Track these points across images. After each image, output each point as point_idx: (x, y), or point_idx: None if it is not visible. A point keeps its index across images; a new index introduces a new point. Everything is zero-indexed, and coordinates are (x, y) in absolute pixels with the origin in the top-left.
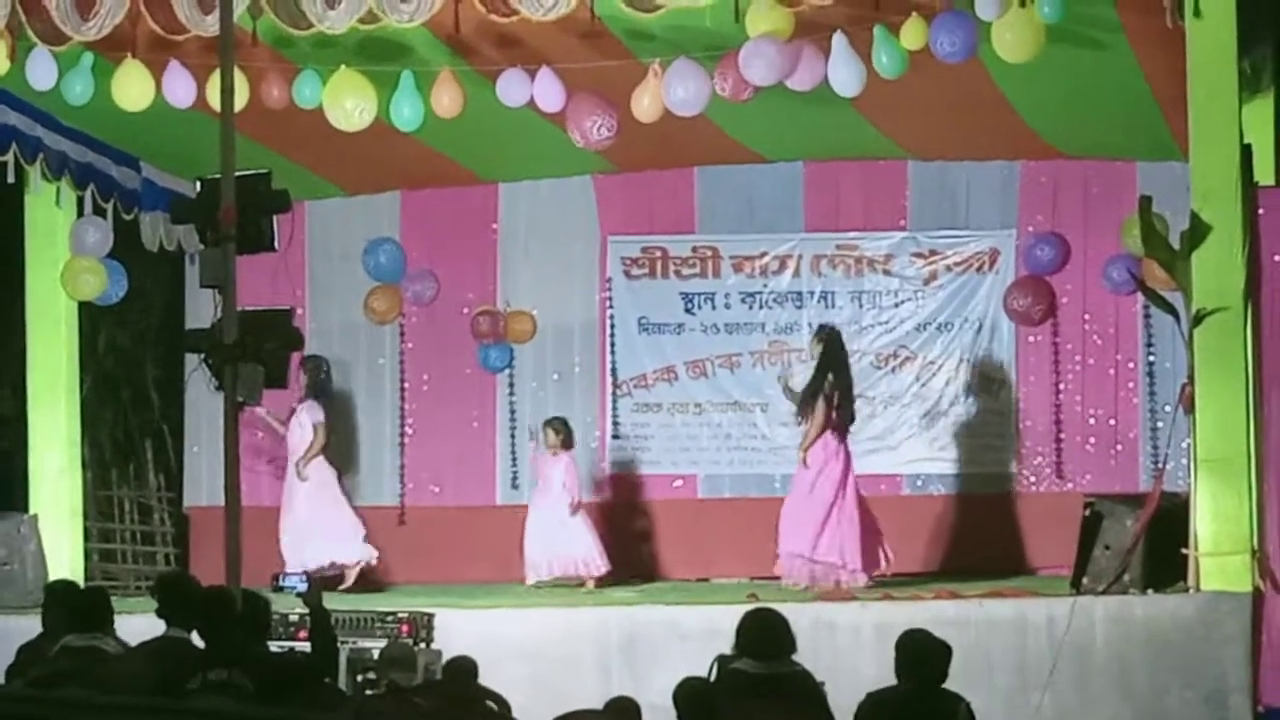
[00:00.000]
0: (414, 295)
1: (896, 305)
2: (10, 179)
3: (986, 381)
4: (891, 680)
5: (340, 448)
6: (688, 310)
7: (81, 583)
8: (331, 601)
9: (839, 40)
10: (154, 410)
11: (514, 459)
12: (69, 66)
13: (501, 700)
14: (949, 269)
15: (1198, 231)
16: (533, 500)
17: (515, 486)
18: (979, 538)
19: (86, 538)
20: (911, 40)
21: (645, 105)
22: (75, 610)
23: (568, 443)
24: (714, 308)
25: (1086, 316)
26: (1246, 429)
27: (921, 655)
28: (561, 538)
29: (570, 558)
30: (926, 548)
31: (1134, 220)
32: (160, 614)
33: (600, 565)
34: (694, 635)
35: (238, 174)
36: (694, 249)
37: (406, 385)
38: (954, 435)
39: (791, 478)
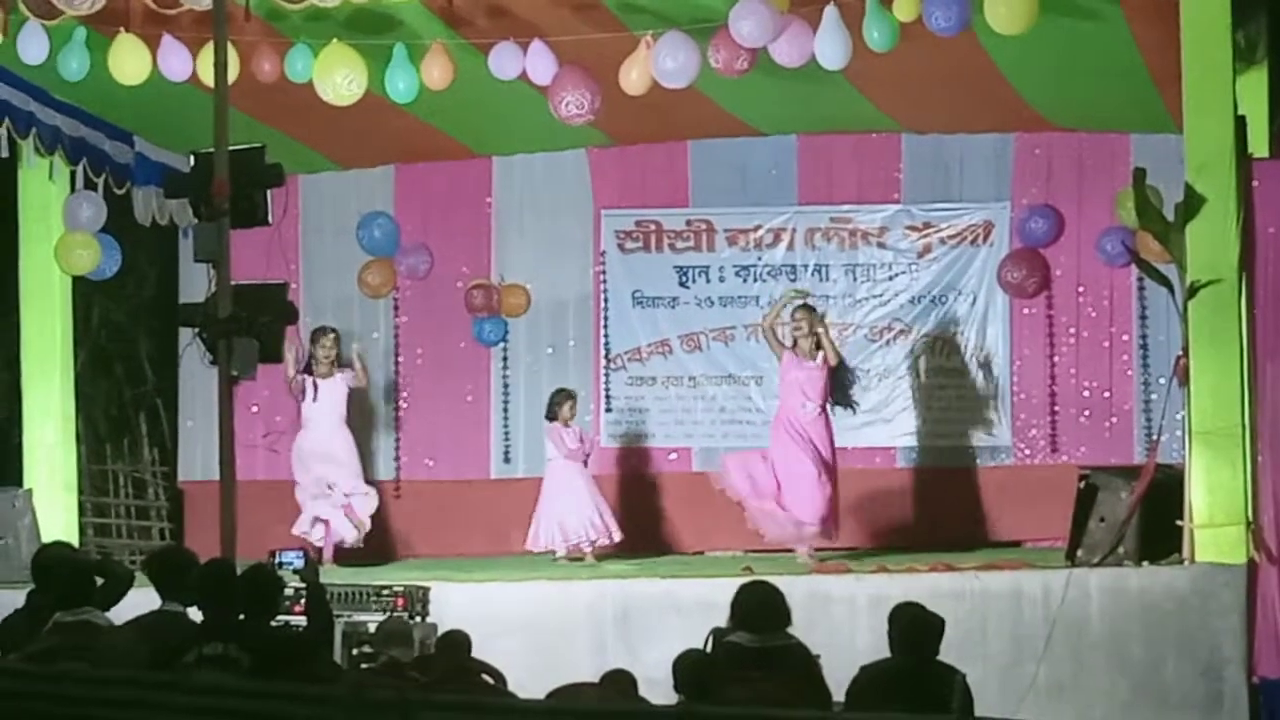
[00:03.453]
0: (408, 269)
1: (891, 278)
2: (4, 154)
3: (978, 354)
4: (886, 653)
5: None
6: (682, 283)
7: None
8: (327, 575)
9: (830, 13)
10: (148, 385)
11: (507, 433)
12: (61, 41)
13: (497, 673)
14: (943, 242)
15: (1192, 204)
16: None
17: (508, 460)
18: (974, 510)
19: (81, 512)
20: (904, 13)
21: (634, 78)
22: (64, 585)
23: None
24: (708, 281)
25: (1081, 289)
26: (1241, 401)
27: (917, 629)
28: (579, 504)
29: (591, 525)
30: (921, 520)
31: (1128, 192)
32: (156, 588)
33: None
34: (689, 608)
35: (231, 148)
36: (688, 222)
37: (401, 359)
38: (948, 408)
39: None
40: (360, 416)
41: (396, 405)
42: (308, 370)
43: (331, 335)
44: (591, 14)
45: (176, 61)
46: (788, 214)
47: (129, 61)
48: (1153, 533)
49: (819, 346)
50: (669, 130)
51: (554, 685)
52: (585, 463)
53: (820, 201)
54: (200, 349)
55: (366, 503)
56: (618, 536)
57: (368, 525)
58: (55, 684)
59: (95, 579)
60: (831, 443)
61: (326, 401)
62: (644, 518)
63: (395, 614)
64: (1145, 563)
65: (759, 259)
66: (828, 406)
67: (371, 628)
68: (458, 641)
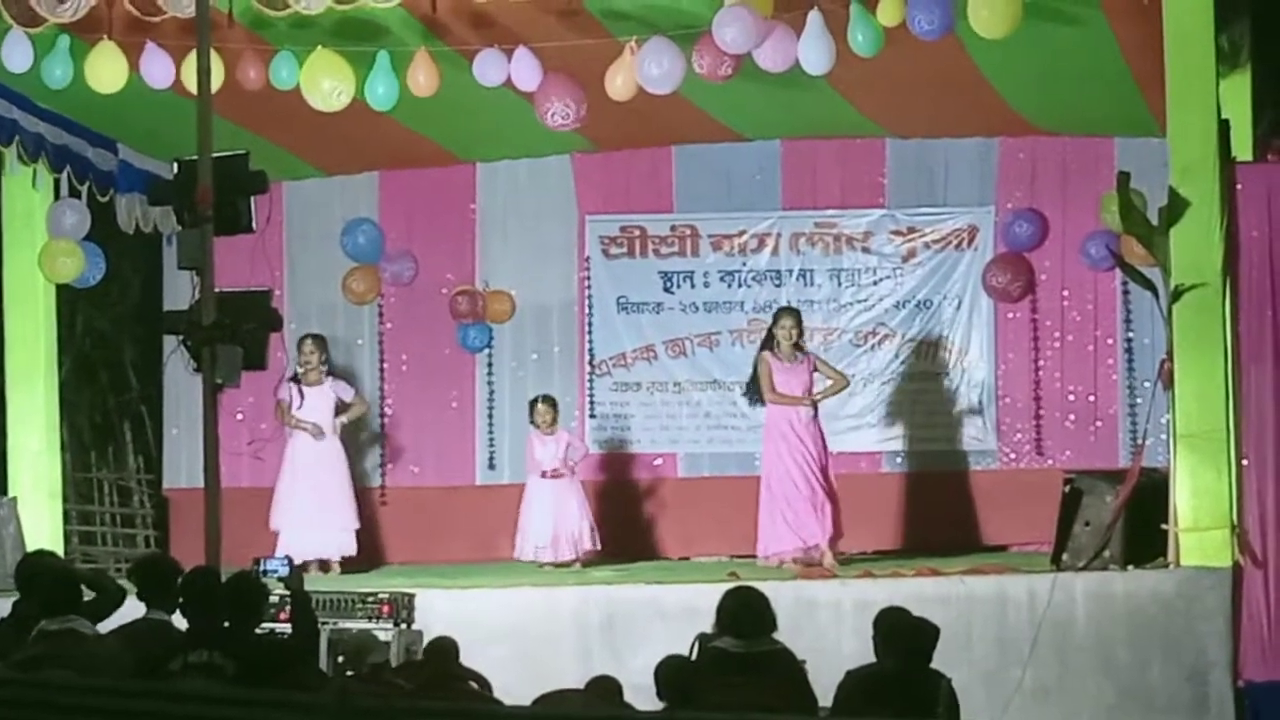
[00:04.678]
0: (392, 276)
1: (875, 283)
2: None
3: (962, 358)
4: (871, 657)
5: None
6: (666, 289)
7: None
8: (312, 583)
9: (814, 18)
10: (132, 392)
11: (492, 439)
12: (45, 49)
13: (483, 680)
14: (927, 246)
15: (1176, 207)
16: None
17: (493, 467)
18: (959, 514)
19: (66, 520)
20: (888, 17)
21: (619, 84)
22: (49, 593)
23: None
24: (693, 286)
25: (1065, 293)
26: (1225, 404)
27: (909, 635)
28: (563, 514)
29: (573, 535)
30: (906, 524)
31: (1112, 196)
32: (140, 596)
33: (591, 542)
34: (675, 614)
35: (215, 155)
36: (672, 228)
37: (385, 365)
38: (933, 412)
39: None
40: (345, 423)
41: (381, 412)
42: (295, 379)
43: (309, 342)
44: (575, 20)
45: (159, 69)
46: (772, 219)
47: (106, 69)
48: (1138, 536)
49: (802, 349)
50: (653, 136)
51: (539, 692)
52: (568, 471)
53: (804, 206)
54: (184, 356)
55: (341, 542)
56: (581, 550)
57: (336, 570)
58: (40, 692)
59: (81, 587)
60: (825, 446)
61: (312, 409)
62: (629, 524)
63: (361, 629)
64: (1130, 566)
65: (744, 264)
66: (818, 408)
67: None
68: (445, 648)
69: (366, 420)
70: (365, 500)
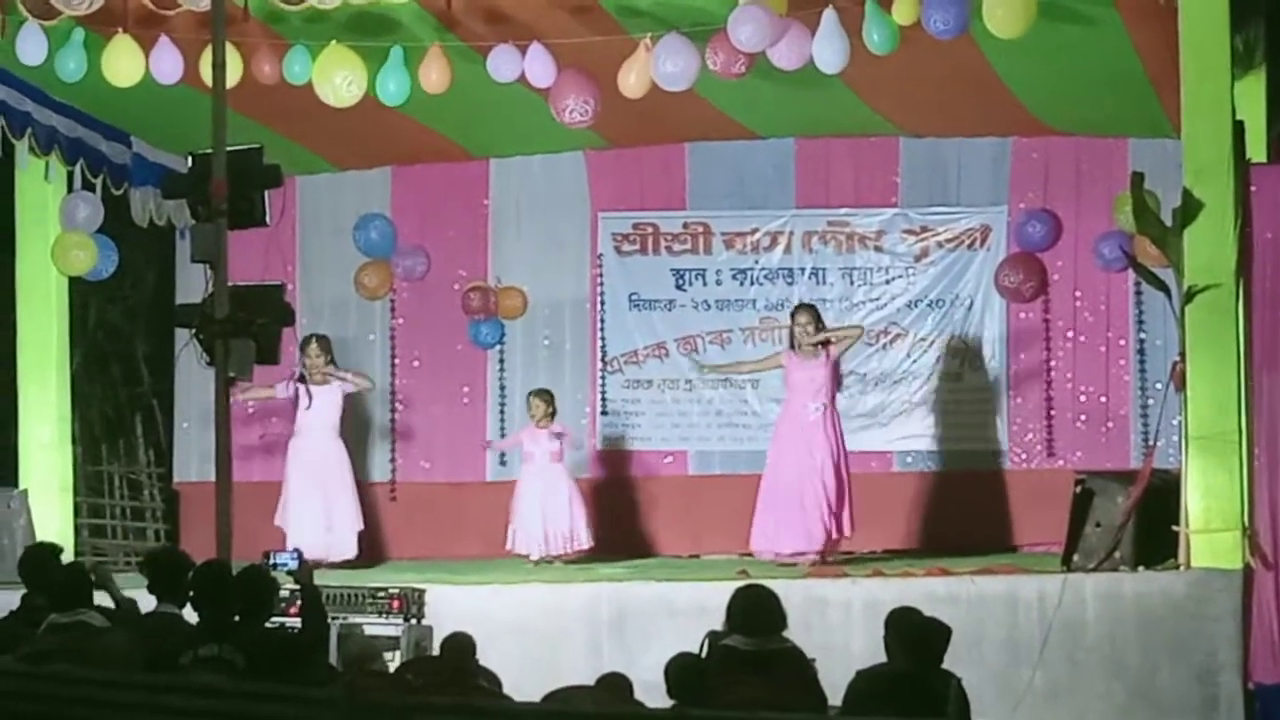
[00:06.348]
0: (405, 271)
1: (888, 282)
2: None
3: (975, 358)
4: (881, 656)
5: None
6: (679, 286)
7: (70, 555)
8: (323, 578)
9: (828, 16)
10: (144, 385)
11: (503, 435)
12: (60, 42)
13: (493, 677)
14: (940, 245)
15: (1189, 208)
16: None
17: (504, 463)
18: (970, 514)
19: (76, 513)
20: (903, 16)
21: (632, 80)
22: (59, 587)
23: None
24: (705, 284)
25: (1078, 293)
26: (1237, 406)
27: (921, 634)
28: (551, 508)
29: (562, 531)
30: (917, 524)
31: (1126, 197)
32: (151, 590)
33: (584, 540)
34: (685, 611)
35: (229, 149)
36: (685, 225)
37: (397, 361)
38: (944, 412)
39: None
40: (356, 418)
41: (392, 407)
42: (302, 379)
43: (315, 344)
44: (590, 17)
45: (168, 64)
46: (785, 217)
47: (123, 63)
48: (1149, 538)
49: (823, 345)
50: (666, 133)
51: (549, 688)
52: (559, 462)
53: (817, 205)
54: (197, 350)
55: (341, 544)
56: (572, 547)
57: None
58: (50, 685)
59: (91, 579)
60: (834, 444)
61: (319, 410)
62: (639, 521)
63: (367, 631)
64: (1141, 568)
65: (756, 262)
66: (835, 404)
67: (368, 630)
68: (463, 644)
69: (369, 406)
70: (375, 496)
